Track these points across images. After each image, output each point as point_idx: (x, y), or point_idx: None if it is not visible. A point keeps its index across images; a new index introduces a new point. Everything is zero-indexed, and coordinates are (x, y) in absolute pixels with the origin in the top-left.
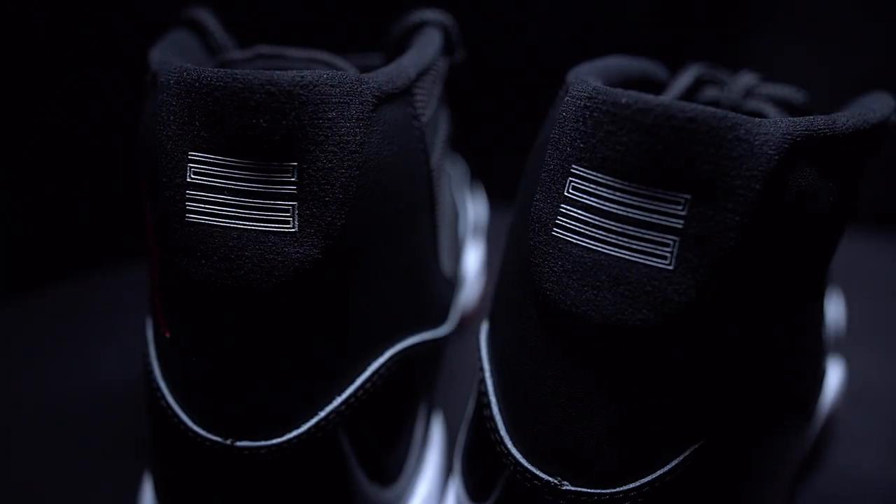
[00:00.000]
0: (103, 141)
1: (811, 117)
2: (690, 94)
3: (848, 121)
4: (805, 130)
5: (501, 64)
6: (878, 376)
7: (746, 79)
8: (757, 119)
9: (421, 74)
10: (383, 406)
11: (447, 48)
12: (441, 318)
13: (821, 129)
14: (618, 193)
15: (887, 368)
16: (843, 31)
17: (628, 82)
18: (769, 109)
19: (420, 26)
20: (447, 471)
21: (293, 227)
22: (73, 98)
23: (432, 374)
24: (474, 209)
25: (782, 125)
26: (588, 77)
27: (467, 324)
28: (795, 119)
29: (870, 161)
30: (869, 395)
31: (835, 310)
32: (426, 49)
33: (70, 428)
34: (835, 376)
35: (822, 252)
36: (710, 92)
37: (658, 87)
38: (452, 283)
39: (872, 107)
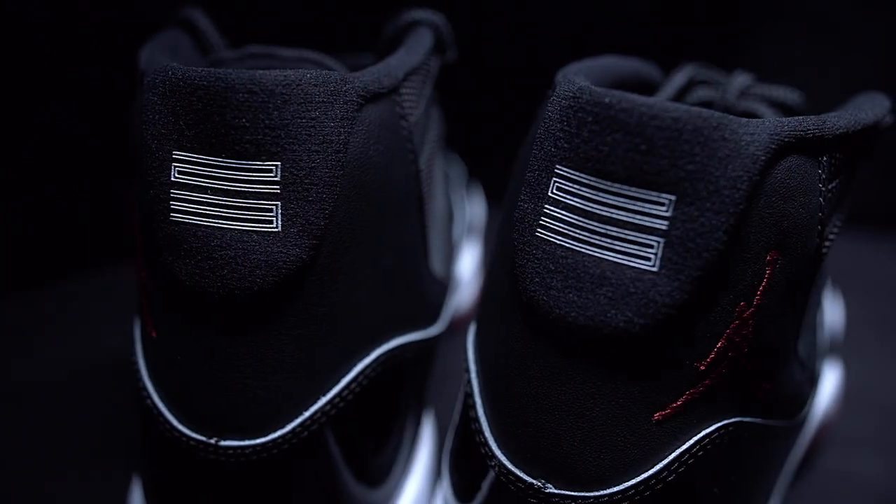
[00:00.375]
0: (103, 141)
1: (800, 118)
2: (683, 94)
3: (838, 121)
4: (793, 131)
5: (501, 64)
6: (877, 379)
7: (741, 79)
8: (743, 119)
9: (409, 74)
10: (371, 406)
11: (439, 48)
12: (431, 319)
13: (810, 130)
14: (601, 194)
15: (887, 371)
16: (843, 31)
17: (620, 82)
18: (764, 110)
19: (412, 26)
20: (437, 472)
21: (276, 227)
22: (73, 98)
23: (423, 375)
24: (471, 210)
25: (769, 125)
26: (576, 76)
27: (463, 325)
28: (783, 119)
29: (863, 162)
30: (868, 398)
31: (834, 312)
32: (416, 49)
33: (62, 428)
34: (833, 379)
35: (814, 254)
36: (704, 92)
37: (651, 87)
38: (444, 283)
39: (865, 107)
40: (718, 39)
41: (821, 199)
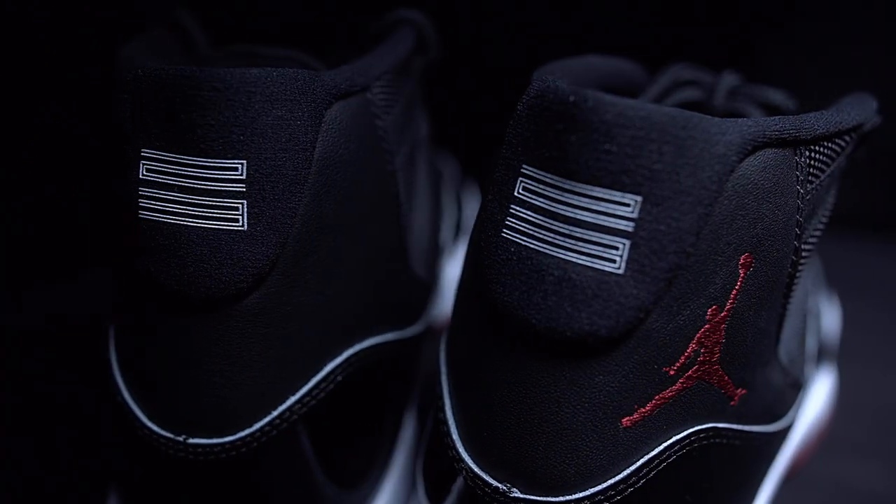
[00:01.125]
0: (103, 141)
1: (777, 118)
2: (669, 94)
3: (817, 123)
4: (768, 131)
5: (500, 63)
6: (874, 385)
7: (729, 80)
8: (716, 119)
9: (384, 73)
10: (345, 406)
11: (422, 48)
12: (410, 320)
13: (786, 131)
14: (566, 194)
15: (884, 378)
16: (845, 32)
17: (601, 82)
18: (752, 111)
19: (395, 25)
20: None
21: (243, 226)
22: (73, 98)
23: (402, 376)
24: (466, 210)
25: (743, 125)
26: (552, 76)
27: None
28: (758, 119)
29: (847, 164)
30: (865, 405)
31: (829, 318)
32: (393, 48)
33: (54, 425)
34: (827, 385)
35: (791, 258)
36: (690, 93)
37: (634, 86)
38: (427, 284)
39: (848, 109)
40: (718, 40)
41: (798, 202)
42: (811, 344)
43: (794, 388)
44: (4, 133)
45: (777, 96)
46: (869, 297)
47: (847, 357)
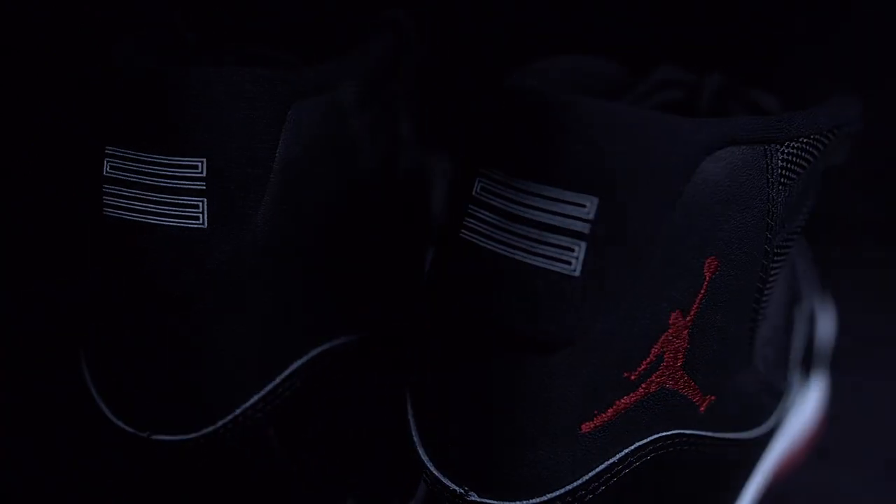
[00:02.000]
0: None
1: (747, 118)
2: (652, 95)
3: (790, 124)
4: (737, 132)
5: (501, 63)
6: (869, 392)
7: (715, 81)
8: (680, 118)
9: (357, 73)
10: (314, 406)
11: (406, 49)
12: (382, 320)
13: (756, 131)
14: (521, 195)
15: (880, 384)
16: (845, 31)
17: (581, 82)
18: (740, 113)
19: (381, 26)
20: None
21: (202, 224)
22: (73, 98)
23: (375, 376)
24: None
25: (711, 125)
26: (523, 77)
27: None
28: (727, 119)
29: (825, 167)
30: (858, 412)
31: (823, 323)
32: (369, 48)
33: (54, 428)
34: (817, 392)
35: (762, 263)
36: (673, 93)
37: (615, 87)
38: (405, 284)
39: (826, 110)
40: (718, 40)
41: (769, 205)
42: (798, 349)
43: (773, 395)
44: (4, 133)
45: (766, 99)
46: (865, 302)
47: (841, 362)
